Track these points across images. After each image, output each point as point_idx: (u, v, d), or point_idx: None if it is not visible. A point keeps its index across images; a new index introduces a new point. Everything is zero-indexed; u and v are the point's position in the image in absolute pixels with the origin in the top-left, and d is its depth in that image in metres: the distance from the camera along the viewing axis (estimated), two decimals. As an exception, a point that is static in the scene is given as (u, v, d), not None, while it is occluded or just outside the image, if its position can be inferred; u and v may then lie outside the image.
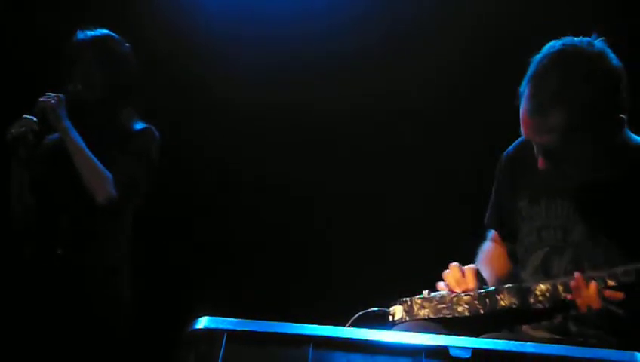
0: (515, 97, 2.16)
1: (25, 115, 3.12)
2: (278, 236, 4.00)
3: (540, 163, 2.10)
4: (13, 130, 3.10)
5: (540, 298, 1.77)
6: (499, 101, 2.30)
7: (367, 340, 1.50)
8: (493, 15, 3.57)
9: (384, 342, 1.51)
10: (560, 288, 1.76)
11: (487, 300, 1.83)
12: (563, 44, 2.09)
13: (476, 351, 1.48)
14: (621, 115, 2.08)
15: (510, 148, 2.41)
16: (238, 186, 4.10)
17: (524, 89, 2.10)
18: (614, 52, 2.12)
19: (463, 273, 2.10)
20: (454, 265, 2.13)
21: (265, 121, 4.03)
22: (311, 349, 1.48)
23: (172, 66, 4.06)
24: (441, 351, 1.48)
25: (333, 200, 3.98)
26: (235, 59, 4.01)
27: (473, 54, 3.67)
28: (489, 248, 2.46)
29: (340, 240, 3.92)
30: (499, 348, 1.50)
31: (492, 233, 2.48)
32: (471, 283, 2.06)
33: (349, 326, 1.83)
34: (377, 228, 3.88)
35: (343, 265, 3.89)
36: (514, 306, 1.78)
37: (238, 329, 1.50)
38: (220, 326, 1.50)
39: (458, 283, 2.08)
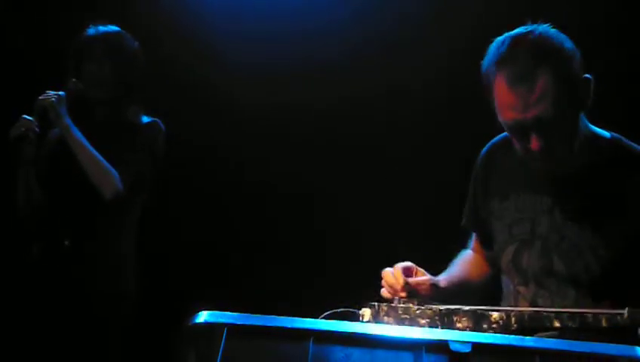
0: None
1: (24, 116, 3.12)
2: (277, 233, 4.01)
3: (534, 144, 2.07)
4: (14, 131, 3.11)
5: (494, 325, 1.78)
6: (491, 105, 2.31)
7: (368, 334, 1.50)
8: (495, 15, 3.58)
9: (385, 336, 1.51)
10: (512, 319, 1.77)
11: (446, 319, 1.84)
12: (513, 33, 2.12)
13: (476, 345, 1.48)
14: (587, 76, 2.11)
15: (483, 150, 2.42)
16: (237, 184, 4.10)
17: (492, 75, 2.09)
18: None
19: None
20: (385, 271, 2.13)
21: (265, 119, 4.05)
22: (311, 343, 1.48)
23: (172, 64, 4.06)
24: (441, 345, 1.49)
25: (332, 198, 3.98)
26: (237, 57, 4.02)
27: (475, 52, 3.67)
28: (466, 254, 2.48)
29: (338, 238, 3.93)
30: (499, 342, 1.51)
31: (473, 238, 2.49)
32: (397, 283, 2.07)
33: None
34: (374, 228, 3.89)
35: (338, 264, 3.90)
36: (468, 330, 1.80)
37: (239, 323, 1.50)
38: (220, 320, 1.50)
39: (392, 287, 2.09)
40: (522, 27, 2.13)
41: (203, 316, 1.51)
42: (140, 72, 3.26)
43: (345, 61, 3.97)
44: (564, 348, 1.49)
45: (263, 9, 4.08)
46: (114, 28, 3.26)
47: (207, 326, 1.50)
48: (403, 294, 2.07)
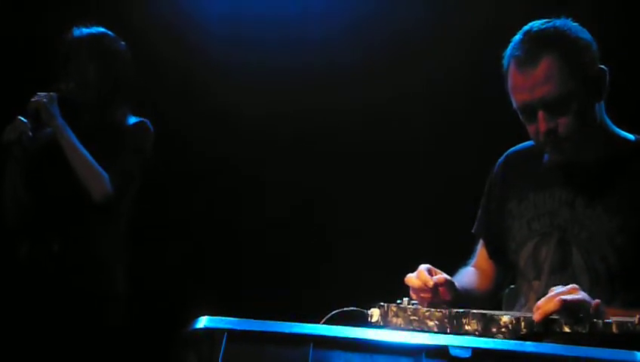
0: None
1: (18, 117, 3.12)
2: (279, 236, 4.01)
3: (541, 125, 2.14)
4: (8, 134, 3.10)
5: (503, 329, 1.77)
6: (503, 106, 2.33)
7: (368, 339, 1.50)
8: (499, 19, 3.58)
9: (385, 341, 1.51)
10: (522, 324, 1.76)
11: (455, 321, 1.83)
12: (529, 25, 2.23)
13: (476, 351, 1.48)
14: (602, 67, 2.19)
15: (500, 159, 2.48)
16: (237, 187, 4.11)
17: (506, 63, 2.20)
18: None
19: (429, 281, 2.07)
20: (409, 277, 2.11)
21: (266, 122, 4.05)
22: (311, 348, 1.47)
23: (172, 70, 4.07)
24: (441, 351, 1.48)
25: (332, 203, 3.99)
26: (236, 63, 4.02)
27: (476, 60, 3.69)
28: (468, 269, 2.49)
29: (340, 242, 3.93)
30: (499, 347, 1.51)
31: (477, 252, 2.49)
32: (427, 281, 2.05)
33: (322, 323, 1.83)
34: (376, 231, 3.89)
35: (341, 267, 3.90)
36: (476, 333, 1.79)
37: (239, 328, 1.49)
38: (220, 325, 1.49)
39: (418, 288, 2.07)
40: (541, 20, 2.23)
41: (203, 321, 1.51)
42: (126, 72, 3.26)
43: (346, 66, 3.98)
44: (564, 353, 1.49)
45: (266, 14, 4.09)
46: (99, 29, 3.26)
47: (207, 331, 1.49)
48: (428, 295, 2.06)
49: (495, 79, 2.31)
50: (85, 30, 3.24)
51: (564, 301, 1.75)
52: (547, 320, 1.76)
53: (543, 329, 1.75)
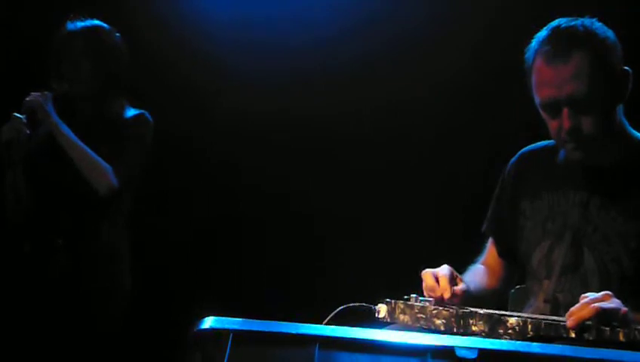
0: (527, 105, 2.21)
1: (14, 114, 3.11)
2: (281, 234, 4.01)
3: (566, 122, 2.12)
4: (6, 134, 3.09)
5: (509, 331, 1.76)
6: (506, 109, 2.32)
7: (373, 340, 1.49)
8: (501, 24, 3.57)
9: (391, 342, 1.50)
10: (529, 326, 1.75)
11: (462, 321, 1.82)
12: (556, 22, 2.21)
13: (483, 351, 1.48)
14: (626, 68, 2.18)
15: (514, 158, 2.45)
16: (239, 186, 4.10)
17: (531, 57, 2.17)
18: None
19: (437, 280, 2.06)
20: (426, 272, 2.09)
21: (267, 125, 4.05)
22: (317, 349, 1.47)
23: (173, 71, 4.06)
24: (447, 351, 1.48)
25: (337, 200, 3.99)
26: (238, 65, 4.02)
27: (479, 62, 3.68)
28: (477, 267, 2.47)
29: (339, 242, 3.93)
30: (505, 348, 1.50)
31: (486, 250, 2.48)
32: (445, 291, 2.03)
33: (328, 320, 1.83)
34: (383, 227, 3.89)
35: (341, 266, 3.90)
36: (483, 334, 1.78)
37: (245, 329, 1.49)
38: (226, 326, 1.49)
39: (432, 290, 2.05)
40: (567, 18, 2.20)
41: (209, 321, 1.51)
42: (122, 64, 3.24)
43: (347, 70, 3.97)
44: (571, 354, 1.49)
45: (267, 14, 4.08)
46: (93, 22, 3.24)
47: (213, 331, 1.49)
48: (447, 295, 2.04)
49: (501, 80, 2.30)
50: (79, 23, 3.23)
51: (601, 308, 1.73)
52: (555, 323, 1.75)
53: (577, 335, 1.73)
